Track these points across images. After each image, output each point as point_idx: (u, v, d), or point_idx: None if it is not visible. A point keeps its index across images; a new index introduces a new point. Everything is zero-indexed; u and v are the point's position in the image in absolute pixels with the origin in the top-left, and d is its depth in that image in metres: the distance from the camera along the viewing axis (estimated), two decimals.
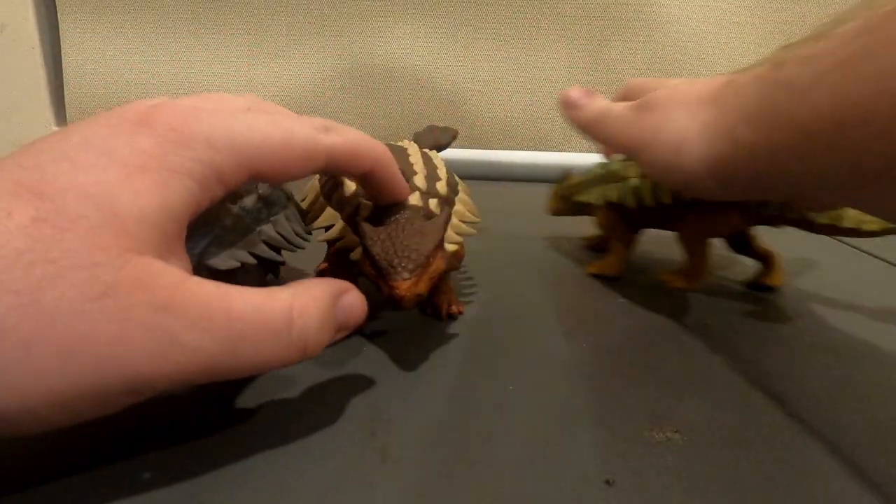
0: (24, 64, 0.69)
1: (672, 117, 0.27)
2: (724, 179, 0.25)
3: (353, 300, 0.21)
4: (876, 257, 0.45)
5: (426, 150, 0.33)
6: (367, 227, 0.24)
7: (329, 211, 0.29)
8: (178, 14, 0.67)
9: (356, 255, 0.26)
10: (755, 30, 0.67)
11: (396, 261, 0.23)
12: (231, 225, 0.24)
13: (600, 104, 0.32)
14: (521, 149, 0.70)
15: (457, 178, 0.33)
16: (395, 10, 0.67)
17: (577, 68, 0.68)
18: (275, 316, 0.18)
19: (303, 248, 0.29)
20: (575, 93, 0.33)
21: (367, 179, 0.24)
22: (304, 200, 0.31)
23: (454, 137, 0.39)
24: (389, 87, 0.69)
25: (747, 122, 0.23)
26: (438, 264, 0.24)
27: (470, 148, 0.69)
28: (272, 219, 0.27)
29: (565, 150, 0.70)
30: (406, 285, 0.22)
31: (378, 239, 0.24)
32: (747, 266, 0.40)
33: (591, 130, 0.33)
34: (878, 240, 0.33)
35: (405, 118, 0.70)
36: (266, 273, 0.28)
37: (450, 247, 0.27)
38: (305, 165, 0.20)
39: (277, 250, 0.27)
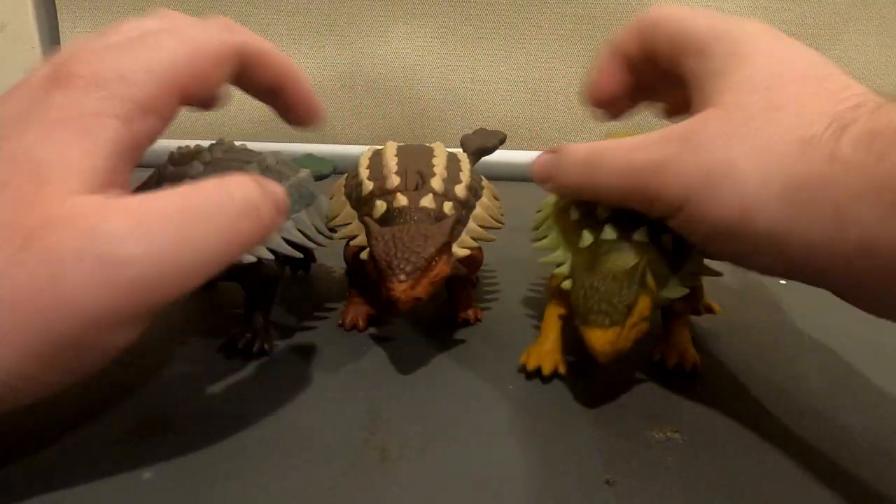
0: (23, 64, 0.69)
1: (734, 162, 0.18)
2: (811, 272, 0.18)
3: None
4: None
5: (455, 153, 0.33)
6: (373, 227, 0.24)
7: (348, 209, 0.29)
8: None
9: (365, 254, 0.26)
10: None
11: (395, 262, 0.23)
12: None
13: (581, 147, 0.23)
14: (521, 149, 0.70)
15: (485, 182, 0.32)
16: (394, 10, 0.67)
17: (577, 67, 0.68)
18: (210, 194, 0.17)
19: (324, 246, 0.29)
20: (541, 157, 0.25)
21: (278, 95, 0.23)
22: (331, 198, 0.31)
23: (502, 141, 0.38)
24: (389, 86, 0.69)
25: (880, 205, 0.15)
26: (442, 269, 0.24)
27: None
28: (293, 216, 0.27)
29: None
30: (402, 287, 0.22)
31: (382, 239, 0.24)
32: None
33: (588, 184, 0.23)
34: None
35: (405, 117, 0.70)
36: (285, 267, 0.29)
37: (460, 251, 0.26)
38: (222, 68, 0.20)
39: (299, 247, 0.27)
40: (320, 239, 0.28)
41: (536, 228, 0.29)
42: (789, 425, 0.22)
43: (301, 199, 0.28)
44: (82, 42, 0.19)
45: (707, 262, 0.25)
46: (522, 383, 0.25)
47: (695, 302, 0.29)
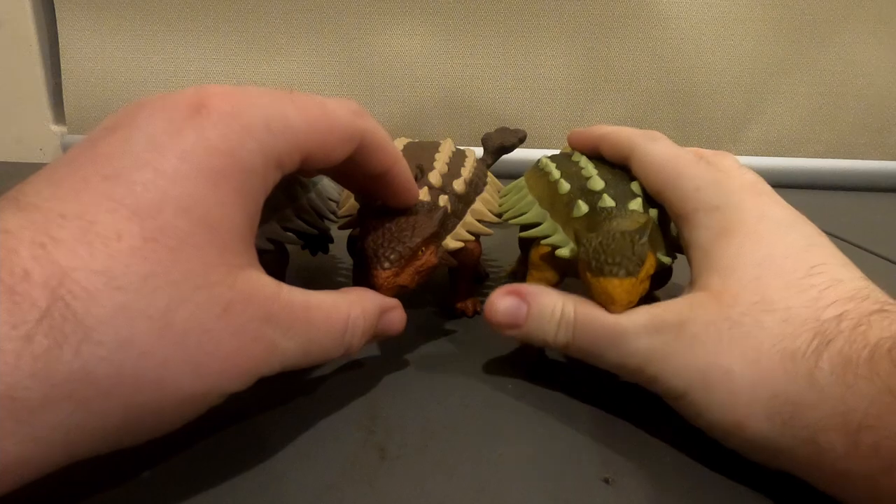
0: (21, 62, 0.69)
1: (729, 369, 0.19)
2: (802, 478, 0.18)
3: (395, 317, 0.23)
4: (877, 255, 0.45)
5: (464, 150, 0.34)
6: (366, 216, 0.25)
7: (352, 201, 0.30)
8: (176, 12, 0.67)
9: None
10: (755, 26, 0.67)
11: (381, 251, 0.23)
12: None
13: (556, 302, 0.22)
14: (521, 147, 0.70)
15: (490, 178, 0.33)
16: (393, 8, 0.67)
17: (576, 66, 0.68)
18: (337, 324, 0.20)
19: (325, 229, 0.30)
20: (503, 301, 0.23)
21: (383, 180, 0.23)
22: (342, 191, 0.32)
23: (522, 139, 0.39)
24: (388, 84, 0.69)
25: (847, 438, 0.16)
26: (429, 259, 0.24)
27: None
28: (294, 204, 0.28)
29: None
30: (385, 275, 0.23)
31: (372, 228, 0.24)
32: None
33: (574, 347, 0.22)
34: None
35: (404, 116, 0.70)
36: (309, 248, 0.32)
37: (453, 243, 0.27)
38: (345, 147, 0.21)
39: (303, 233, 0.28)
40: (324, 222, 0.30)
41: (506, 209, 0.31)
42: None
43: (289, 197, 0.28)
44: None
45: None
46: (522, 383, 0.25)
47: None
